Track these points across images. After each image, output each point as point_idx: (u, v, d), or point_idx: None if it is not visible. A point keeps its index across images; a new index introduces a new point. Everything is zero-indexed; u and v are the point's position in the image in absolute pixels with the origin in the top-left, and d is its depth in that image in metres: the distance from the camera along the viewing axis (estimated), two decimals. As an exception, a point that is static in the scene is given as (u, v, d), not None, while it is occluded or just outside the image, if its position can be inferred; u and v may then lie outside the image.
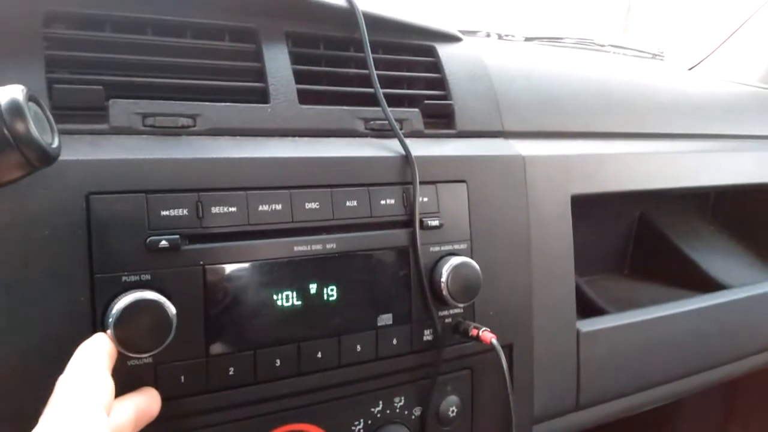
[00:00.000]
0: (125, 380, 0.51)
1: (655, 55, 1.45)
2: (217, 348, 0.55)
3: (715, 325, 0.97)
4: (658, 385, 0.93)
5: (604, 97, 0.95)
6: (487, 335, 0.66)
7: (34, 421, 0.49)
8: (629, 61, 1.28)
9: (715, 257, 1.15)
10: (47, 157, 0.39)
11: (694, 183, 0.97)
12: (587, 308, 0.92)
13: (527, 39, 1.25)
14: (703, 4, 1.75)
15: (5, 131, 0.35)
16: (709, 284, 1.05)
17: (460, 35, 0.83)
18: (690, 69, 1.39)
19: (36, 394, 0.49)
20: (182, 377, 0.54)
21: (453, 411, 0.71)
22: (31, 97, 0.38)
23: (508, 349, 0.74)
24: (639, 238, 1.17)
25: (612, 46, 1.36)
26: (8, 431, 0.49)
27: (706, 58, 1.37)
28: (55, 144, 0.41)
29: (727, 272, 1.11)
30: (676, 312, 0.92)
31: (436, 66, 0.78)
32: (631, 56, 1.37)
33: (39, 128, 0.37)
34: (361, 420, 0.65)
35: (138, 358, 0.52)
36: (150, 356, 0.52)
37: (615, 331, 0.85)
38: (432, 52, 0.79)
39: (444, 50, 0.79)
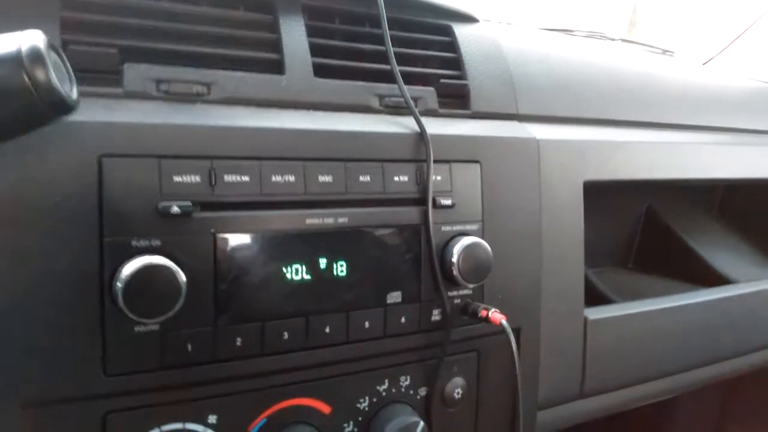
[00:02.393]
0: (132, 346, 0.51)
1: (665, 51, 1.43)
2: (225, 318, 0.55)
3: (722, 319, 0.96)
4: (663, 377, 0.92)
5: (618, 85, 0.94)
6: (497, 316, 0.65)
7: (39, 385, 0.49)
8: (642, 53, 1.27)
9: (721, 252, 1.14)
10: (66, 106, 0.38)
11: (705, 175, 0.96)
12: (593, 299, 0.91)
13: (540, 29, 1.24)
14: (714, 1, 1.74)
15: (25, 77, 0.34)
16: (715, 279, 1.05)
17: (476, 16, 0.82)
18: (704, 64, 1.38)
19: (43, 356, 0.49)
20: (189, 346, 0.53)
21: (458, 393, 0.70)
22: (50, 44, 0.37)
23: (516, 333, 0.73)
24: (645, 231, 1.16)
25: (623, 40, 1.35)
26: (13, 396, 0.48)
27: (719, 53, 1.36)
28: (74, 94, 0.40)
29: (733, 268, 1.10)
30: (684, 303, 0.91)
31: (452, 45, 0.77)
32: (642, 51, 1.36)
33: (58, 76, 0.37)
34: (367, 397, 0.65)
35: (145, 324, 0.51)
36: (157, 323, 0.52)
37: (622, 320, 0.85)
38: (448, 32, 0.78)
39: (460, 30, 0.78)
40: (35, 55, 0.35)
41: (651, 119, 0.94)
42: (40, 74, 0.35)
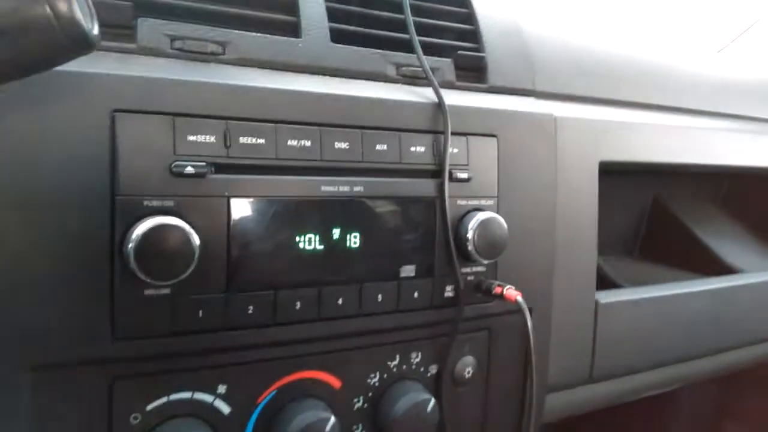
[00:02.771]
0: (142, 310, 0.49)
1: (678, 40, 1.42)
2: (237, 284, 0.53)
3: (730, 308, 0.95)
4: (671, 364, 0.91)
5: (634, 67, 0.93)
6: (512, 293, 0.64)
7: (45, 348, 0.47)
8: (656, 39, 1.25)
9: (727, 242, 1.13)
10: (87, 42, 0.36)
11: (719, 161, 0.95)
12: (601, 285, 0.90)
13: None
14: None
15: (47, 8, 0.32)
16: (721, 269, 1.04)
17: (494, -10, 0.80)
18: (718, 53, 1.36)
19: (51, 318, 0.47)
20: (200, 311, 0.52)
21: (469, 372, 0.69)
22: (72, -22, 0.35)
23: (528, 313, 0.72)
24: (651, 220, 1.15)
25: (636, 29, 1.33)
26: (19, 359, 0.46)
27: (732, 42, 1.35)
28: (95, 30, 0.38)
29: (739, 258, 1.09)
30: (694, 290, 0.90)
31: (470, 17, 0.75)
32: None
33: (81, 10, 0.34)
34: (377, 373, 0.63)
35: (156, 288, 0.49)
36: (168, 287, 0.50)
37: (633, 304, 0.84)
38: (466, 4, 0.76)
39: (479, 3, 0.76)
40: (57, -15, 0.33)
41: (666, 103, 0.93)
42: (62, 6, 0.33)
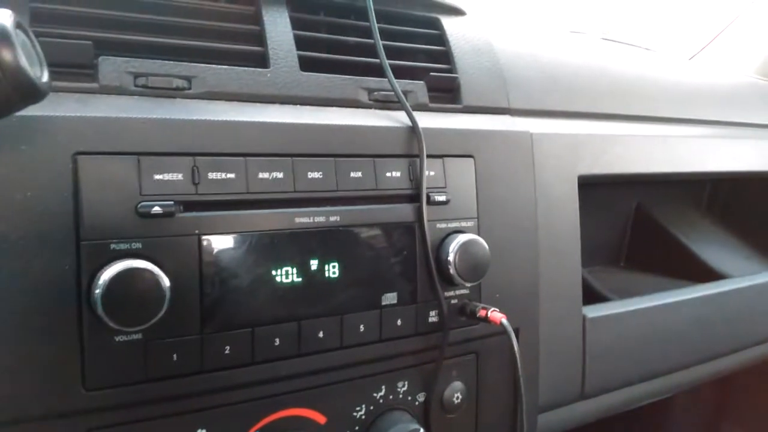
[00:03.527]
0: (113, 358, 0.47)
1: (647, 49, 1.43)
2: (212, 325, 0.51)
3: (719, 314, 0.95)
4: (663, 375, 0.90)
5: (608, 79, 0.93)
6: (497, 315, 0.63)
7: (14, 402, 0.45)
8: (627, 49, 1.26)
9: (713, 248, 1.13)
10: (36, 91, 0.34)
11: (699, 168, 0.95)
12: (588, 298, 0.89)
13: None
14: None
15: None
16: (708, 275, 1.03)
17: (464, 9, 0.80)
18: (690, 59, 1.37)
19: (17, 371, 0.45)
20: (174, 355, 0.50)
21: (458, 397, 0.68)
22: (18, 24, 0.34)
23: (515, 333, 0.70)
24: (636, 229, 1.15)
25: (603, 39, 1.34)
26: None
27: (702, 49, 1.36)
28: (45, 78, 0.36)
29: (725, 263, 1.09)
30: (682, 299, 0.90)
31: (441, 38, 0.75)
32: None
33: (28, 59, 0.33)
34: (363, 405, 0.62)
35: (127, 334, 0.48)
36: (140, 332, 0.48)
37: (621, 317, 0.83)
38: (436, 25, 0.75)
39: (449, 23, 0.76)
40: (2, 35, 0.31)
41: (642, 113, 0.93)
42: (6, 55, 0.31)
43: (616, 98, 0.91)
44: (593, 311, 0.80)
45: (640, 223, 1.14)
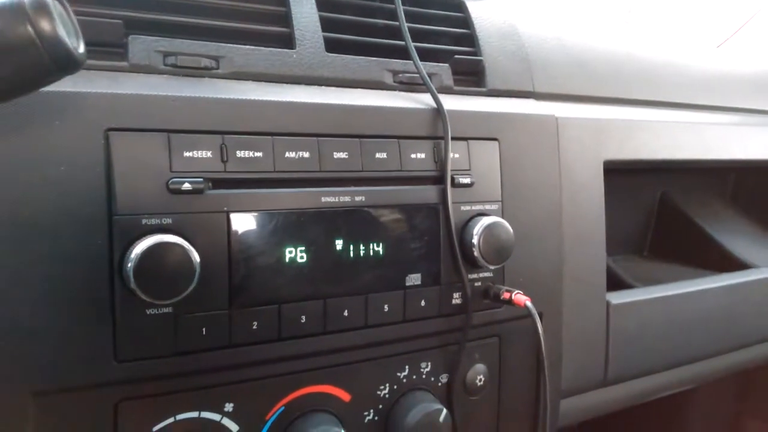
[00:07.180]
0: (144, 331, 0.48)
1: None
2: (240, 300, 0.52)
3: (744, 304, 0.94)
4: (686, 364, 0.90)
5: (634, 64, 0.92)
6: (521, 298, 0.63)
7: (47, 373, 0.46)
8: (654, 34, 1.24)
9: (738, 238, 1.12)
10: (73, 61, 0.35)
11: (725, 155, 0.94)
12: (612, 285, 0.89)
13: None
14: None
15: (29, 28, 0.32)
16: (734, 265, 1.02)
17: (489, -7, 0.80)
18: (718, 47, 1.35)
19: (51, 343, 0.46)
20: (203, 329, 0.51)
21: (480, 380, 0.68)
22: (55, -5, 0.34)
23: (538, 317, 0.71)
24: (660, 218, 1.14)
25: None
26: (21, 385, 0.46)
27: (731, 37, 1.34)
28: (81, 49, 0.37)
29: (750, 253, 1.07)
30: (707, 288, 0.89)
31: (466, 21, 0.75)
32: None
33: (65, 29, 0.34)
34: (387, 384, 0.62)
35: (157, 307, 0.49)
36: (170, 305, 0.49)
37: (645, 304, 0.82)
38: (461, 8, 0.75)
39: (474, 6, 0.76)
40: (40, 4, 0.32)
41: (669, 99, 0.92)
42: (45, 25, 0.32)
43: (643, 84, 0.90)
44: (617, 298, 0.80)
45: (665, 212, 1.13)
